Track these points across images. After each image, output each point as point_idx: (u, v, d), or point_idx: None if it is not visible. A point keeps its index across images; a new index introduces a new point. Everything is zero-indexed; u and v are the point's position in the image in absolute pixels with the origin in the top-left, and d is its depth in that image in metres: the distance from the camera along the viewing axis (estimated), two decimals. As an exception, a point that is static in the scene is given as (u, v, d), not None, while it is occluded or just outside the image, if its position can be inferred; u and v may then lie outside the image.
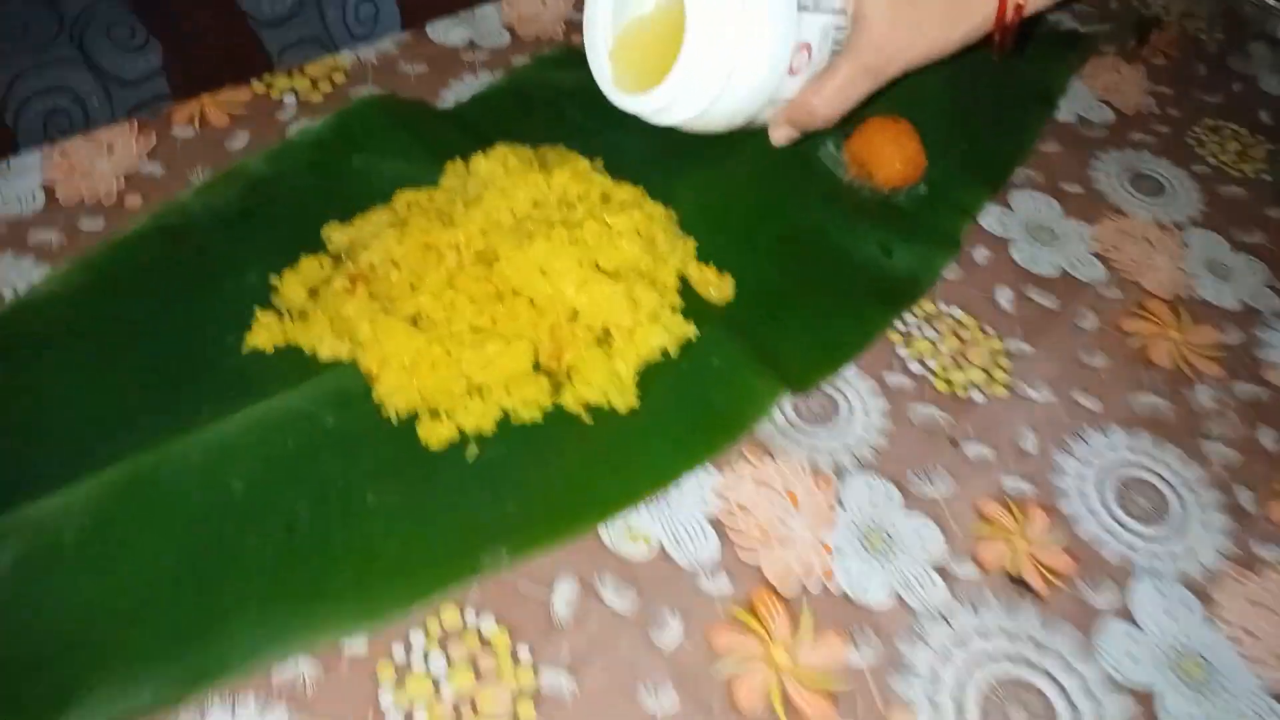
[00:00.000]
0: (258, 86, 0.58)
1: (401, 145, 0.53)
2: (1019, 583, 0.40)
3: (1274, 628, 0.40)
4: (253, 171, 0.51)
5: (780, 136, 0.44)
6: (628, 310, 0.44)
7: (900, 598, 0.39)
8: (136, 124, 0.54)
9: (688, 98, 0.38)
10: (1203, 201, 0.59)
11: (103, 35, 0.79)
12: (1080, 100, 0.64)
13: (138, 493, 0.39)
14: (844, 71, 0.41)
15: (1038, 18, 0.46)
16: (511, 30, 0.64)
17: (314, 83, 0.58)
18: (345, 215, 0.49)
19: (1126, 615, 0.40)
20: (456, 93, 0.59)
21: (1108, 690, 0.37)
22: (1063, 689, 0.37)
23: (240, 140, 0.54)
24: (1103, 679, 0.38)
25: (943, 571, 0.40)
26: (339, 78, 0.59)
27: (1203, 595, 0.41)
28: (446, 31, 0.63)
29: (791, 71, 0.40)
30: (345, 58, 0.60)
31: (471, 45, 0.63)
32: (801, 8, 0.38)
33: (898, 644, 0.38)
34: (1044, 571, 0.41)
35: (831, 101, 0.41)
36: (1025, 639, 0.39)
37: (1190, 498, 0.44)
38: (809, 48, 0.39)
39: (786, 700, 0.36)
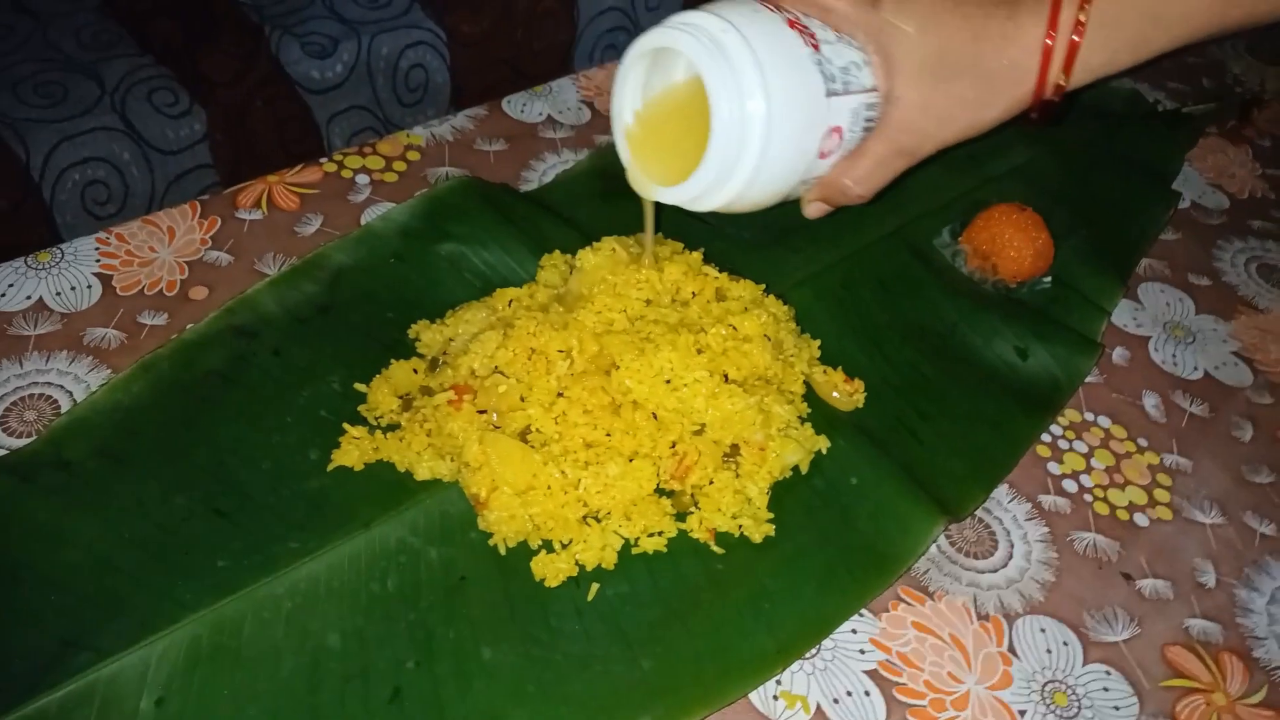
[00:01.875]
0: (328, 165, 0.53)
1: (494, 233, 0.48)
2: (1227, 750, 0.35)
3: None
4: (331, 262, 0.46)
5: (813, 212, 0.41)
6: (760, 425, 0.39)
7: (1097, 771, 0.34)
8: (198, 206, 0.49)
9: (718, 189, 0.36)
10: (1343, 296, 0.54)
11: (144, 100, 0.75)
12: (1191, 185, 0.60)
13: (222, 650, 0.33)
14: (877, 152, 0.38)
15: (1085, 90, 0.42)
16: (590, 105, 0.60)
17: (388, 162, 0.54)
18: (435, 311, 0.44)
19: (1353, 789, 0.34)
20: (539, 173, 0.55)
21: None
22: None
23: (312, 225, 0.50)
24: None
25: (1140, 737, 0.35)
26: (413, 156, 0.54)
27: None
28: (524, 107, 0.59)
29: (822, 155, 0.37)
30: (418, 134, 0.56)
31: (551, 121, 0.58)
32: (831, 93, 0.36)
33: (1106, 832, 0.32)
34: (1253, 736, 0.35)
35: (865, 181, 0.39)
36: (1246, 822, 0.33)
37: (1395, 642, 0.39)
38: (840, 131, 0.37)
39: None
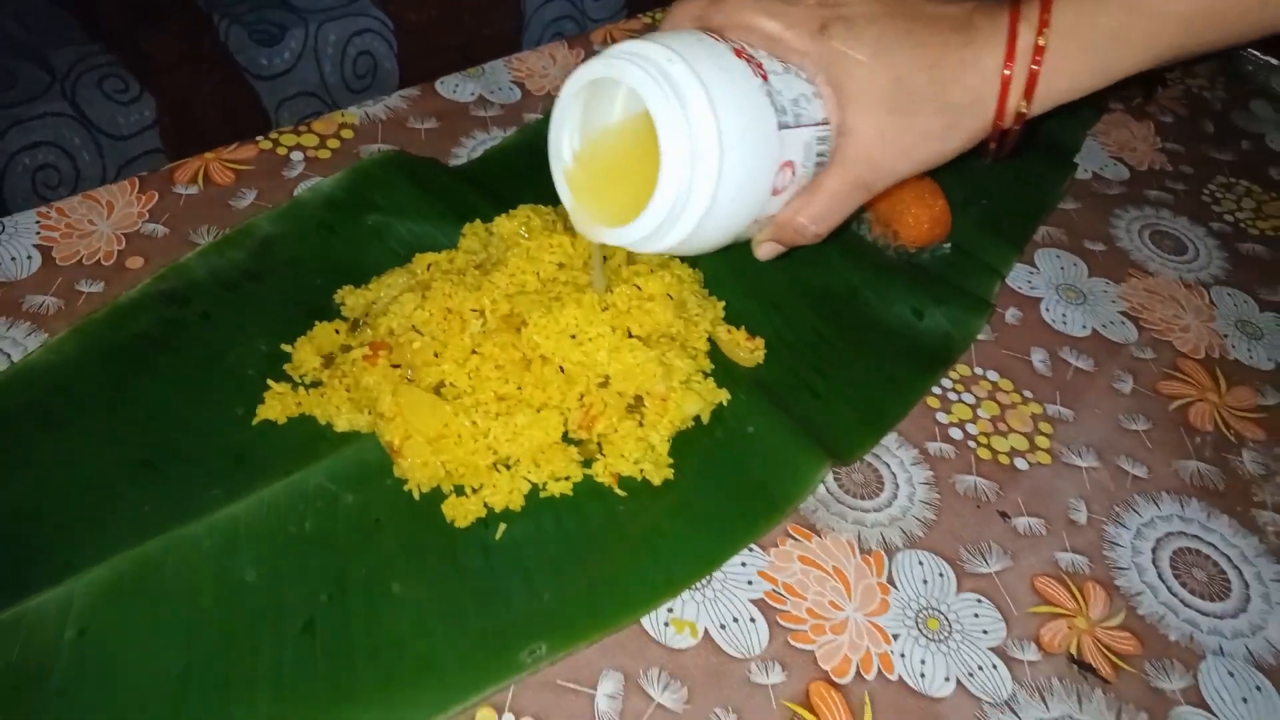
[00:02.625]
0: (263, 143, 0.55)
1: (416, 204, 0.50)
2: (1084, 667, 0.37)
3: None
4: (260, 232, 0.48)
5: (765, 253, 0.39)
6: (661, 377, 0.42)
7: (963, 686, 0.36)
8: (137, 182, 0.51)
9: (667, 230, 0.34)
10: (1224, 260, 0.57)
11: (94, 87, 0.76)
12: (1094, 157, 0.63)
13: (143, 585, 0.35)
14: (832, 187, 0.36)
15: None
16: (521, 86, 0.62)
17: (321, 139, 0.56)
18: (360, 278, 0.46)
19: (1198, 700, 0.37)
20: (468, 149, 0.57)
21: (1187, 785, 0.35)
22: (1141, 785, 0.34)
23: (246, 199, 0.51)
24: (1181, 773, 0.35)
25: (1004, 656, 0.37)
26: (347, 134, 0.56)
27: (1272, 674, 0.38)
28: (456, 87, 0.61)
29: (774, 193, 0.35)
30: (353, 113, 0.58)
31: (482, 101, 0.60)
32: (783, 126, 0.34)
33: (965, 739, 0.35)
34: (1108, 655, 0.38)
35: (822, 219, 0.37)
36: (1097, 730, 0.36)
37: (1249, 572, 0.42)
38: (793, 166, 0.35)
39: (852, 806, 0.33)
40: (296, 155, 0.54)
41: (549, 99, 0.61)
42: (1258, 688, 0.38)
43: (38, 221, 0.49)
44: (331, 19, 0.84)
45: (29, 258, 0.47)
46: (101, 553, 0.36)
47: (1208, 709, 0.37)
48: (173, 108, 0.78)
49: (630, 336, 0.42)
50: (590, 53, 0.66)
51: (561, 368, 0.42)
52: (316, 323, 0.44)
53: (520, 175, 0.54)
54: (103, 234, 0.48)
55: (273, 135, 0.55)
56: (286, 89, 0.83)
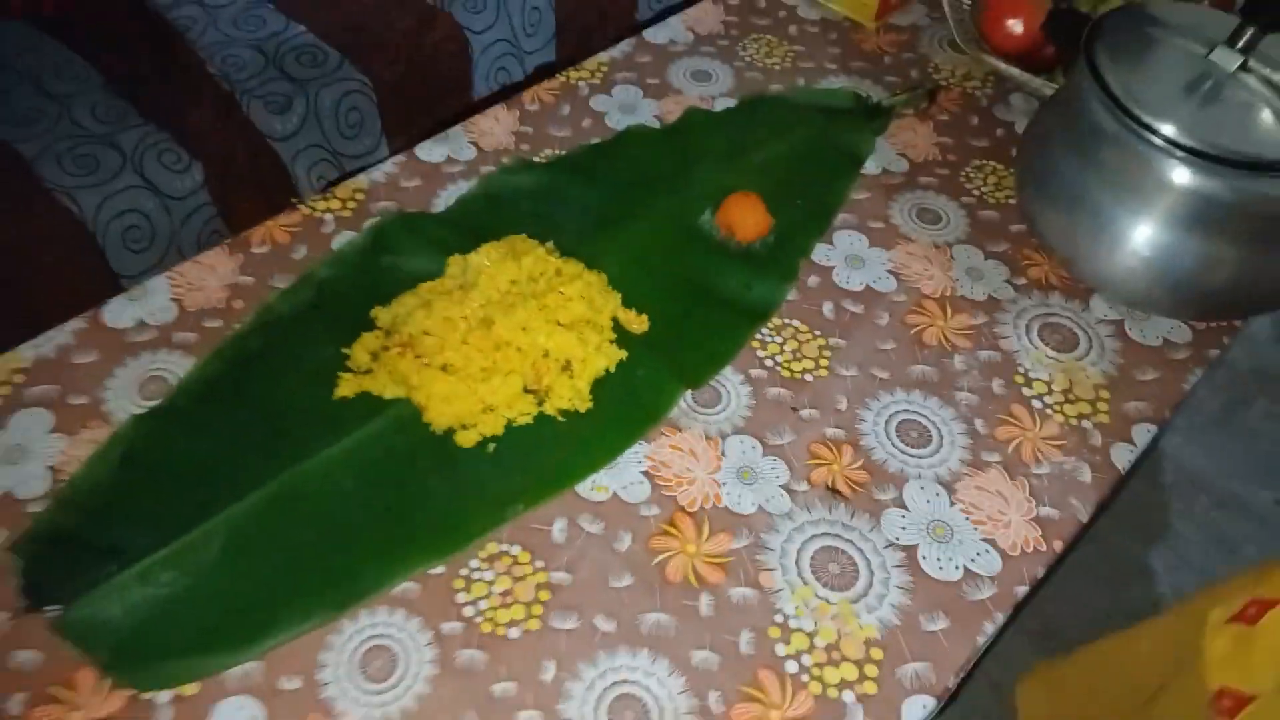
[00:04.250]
0: (304, 210, 0.79)
1: (415, 246, 0.75)
2: (835, 492, 0.64)
3: (990, 501, 0.64)
4: (316, 276, 0.73)
5: None
6: (580, 347, 0.67)
7: (762, 507, 0.63)
8: (227, 247, 0.76)
9: None
10: (967, 224, 0.83)
11: (155, 161, 1.00)
12: (884, 156, 0.88)
13: (286, 498, 0.61)
14: None
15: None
16: (476, 145, 0.86)
17: (344, 203, 0.80)
18: (384, 300, 0.71)
19: (901, 504, 0.64)
20: (444, 199, 0.81)
21: (889, 549, 0.61)
22: (861, 550, 0.61)
23: (300, 251, 0.76)
24: (885, 543, 0.62)
25: (788, 489, 0.64)
26: (360, 196, 0.81)
27: (948, 488, 0.65)
28: (429, 151, 0.85)
29: None
30: (362, 181, 0.82)
31: (449, 160, 0.85)
32: None
33: (761, 534, 0.61)
34: (850, 484, 0.64)
35: None
36: (839, 524, 0.62)
37: (945, 429, 0.68)
38: None
39: (696, 573, 0.59)
40: (329, 217, 0.79)
41: (496, 153, 0.85)
42: (936, 494, 0.64)
43: (169, 281, 0.73)
44: (324, 85, 1.08)
45: (170, 309, 0.72)
46: (248, 488, 0.61)
47: (905, 507, 0.63)
48: (215, 171, 1.02)
49: (559, 325, 0.68)
50: (524, 112, 0.89)
51: (519, 348, 0.67)
52: (363, 333, 0.69)
53: (482, 216, 0.79)
54: (213, 286, 0.73)
55: (310, 203, 0.80)
56: (298, 144, 1.07)
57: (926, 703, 0.55)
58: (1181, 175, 0.67)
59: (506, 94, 1.30)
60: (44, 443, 0.63)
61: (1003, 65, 0.93)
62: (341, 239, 0.77)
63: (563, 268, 0.72)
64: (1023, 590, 0.61)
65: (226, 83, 1.06)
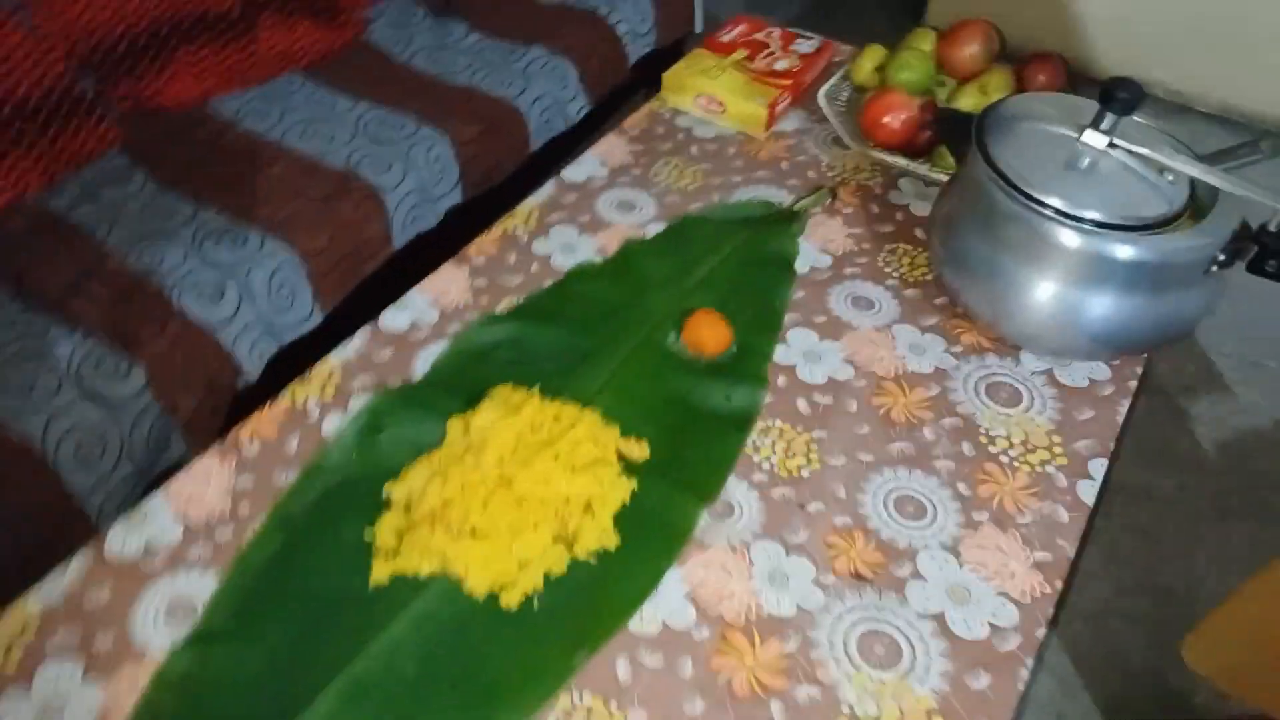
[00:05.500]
0: (284, 400, 0.79)
1: (410, 416, 0.76)
2: (859, 577, 0.69)
3: (993, 557, 0.70)
4: (320, 465, 0.73)
5: None
6: (598, 486, 0.70)
7: (800, 606, 0.67)
8: (218, 453, 0.75)
9: None
10: (897, 306, 0.91)
11: (92, 370, 0.97)
12: (807, 255, 0.96)
13: (353, 695, 0.60)
14: None
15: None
16: (437, 306, 0.89)
17: (322, 387, 0.80)
18: (393, 475, 0.72)
19: (918, 575, 0.69)
20: (421, 364, 0.83)
21: (921, 620, 0.66)
22: (897, 628, 0.66)
23: (292, 444, 0.76)
24: (916, 615, 0.66)
25: (818, 584, 0.68)
26: (337, 378, 0.81)
27: (954, 552, 0.71)
28: (393, 319, 0.87)
29: None
30: (335, 361, 0.83)
31: (414, 326, 0.87)
32: None
33: (807, 632, 0.65)
34: (870, 566, 0.69)
35: None
36: (871, 607, 0.67)
37: (934, 498, 0.74)
38: None
39: (759, 682, 0.62)
40: (312, 402, 0.79)
41: (457, 312, 0.88)
42: (946, 560, 0.70)
43: (165, 499, 0.72)
44: (254, 265, 1.08)
45: (174, 528, 0.70)
46: (306, 700, 0.60)
47: (923, 578, 0.69)
48: (156, 370, 1.00)
49: (574, 470, 0.70)
50: (473, 267, 0.93)
51: (541, 499, 0.69)
52: (382, 513, 0.70)
53: (462, 372, 0.81)
54: (213, 495, 0.72)
55: (291, 390, 0.80)
56: (237, 327, 1.06)
57: (995, 757, 0.60)
58: (1072, 240, 0.77)
59: (425, 240, 1.33)
60: (80, 695, 0.60)
61: (887, 157, 1.03)
62: (331, 423, 0.77)
63: (560, 412, 0.75)
64: (1041, 633, 0.67)
65: (157, 279, 1.04)
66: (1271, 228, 0.75)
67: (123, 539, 0.69)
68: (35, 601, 0.65)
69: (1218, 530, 1.50)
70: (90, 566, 0.67)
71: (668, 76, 1.14)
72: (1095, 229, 0.76)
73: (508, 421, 0.73)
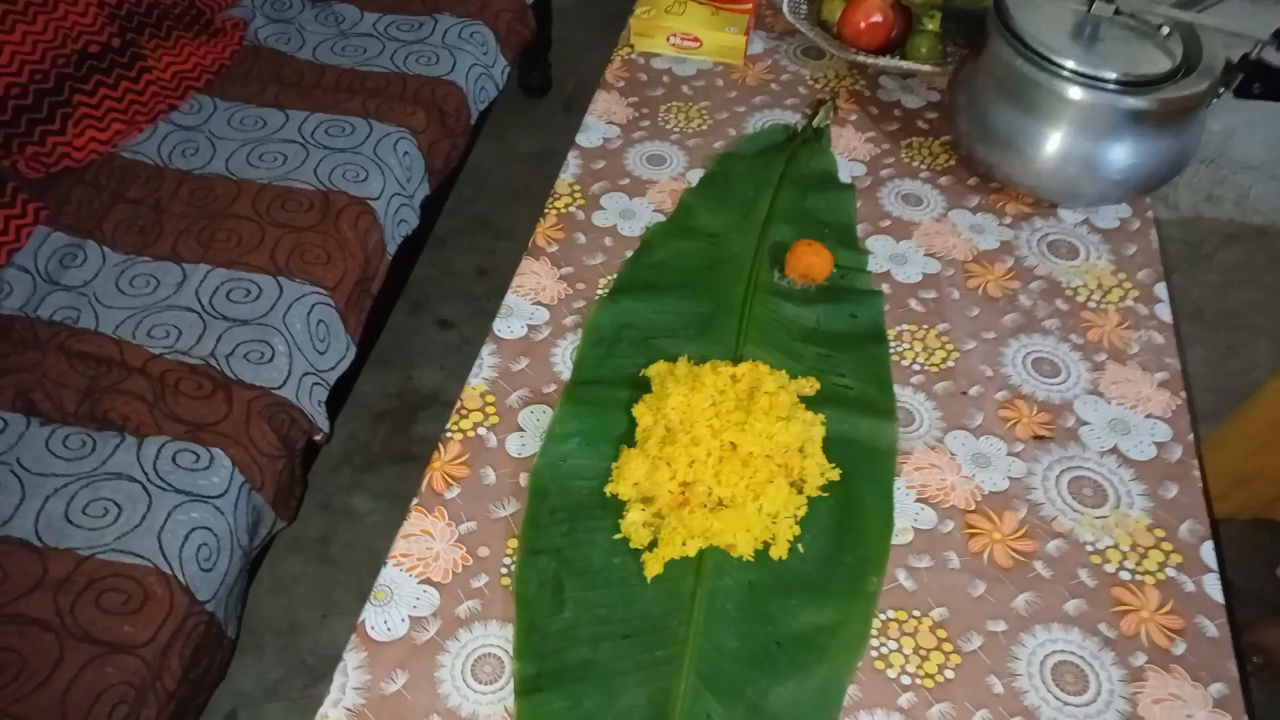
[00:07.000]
0: (453, 438, 0.77)
1: (588, 415, 0.76)
2: (1039, 438, 0.77)
3: (1128, 389, 0.80)
4: (538, 485, 0.73)
5: None
6: (803, 427, 0.74)
7: (1009, 475, 0.74)
8: (420, 509, 0.72)
9: None
10: (939, 194, 0.98)
11: (175, 470, 0.89)
12: (844, 166, 1.01)
13: (703, 683, 0.63)
14: None
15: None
16: (541, 303, 0.87)
17: (483, 413, 0.78)
18: (601, 477, 0.73)
19: (1083, 421, 0.78)
20: (560, 362, 0.82)
21: (1103, 457, 0.76)
22: (1090, 469, 0.75)
23: (489, 475, 0.74)
24: (1098, 454, 0.76)
25: (1012, 454, 0.76)
26: (491, 399, 0.79)
27: (1097, 393, 0.80)
28: (508, 328, 0.85)
29: None
30: (478, 384, 0.80)
31: (531, 328, 0.85)
32: None
33: (1026, 496, 0.73)
34: (1043, 426, 0.78)
35: None
36: (1061, 459, 0.76)
37: (1060, 355, 0.83)
38: None
39: (1015, 551, 0.70)
40: (483, 430, 0.77)
41: (559, 305, 0.87)
42: (1096, 403, 0.79)
43: (399, 566, 0.69)
44: (288, 311, 1.00)
45: (426, 597, 0.68)
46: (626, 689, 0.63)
47: (1087, 423, 0.78)
48: (237, 451, 0.92)
49: (781, 419, 0.74)
50: (550, 256, 0.91)
51: (767, 454, 0.72)
52: (625, 512, 0.71)
53: (604, 362, 0.81)
54: (442, 548, 0.70)
55: (453, 427, 0.77)
56: (294, 382, 0.99)
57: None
58: (1098, 99, 0.86)
59: (411, 243, 1.27)
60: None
61: (869, 59, 1.08)
62: (513, 443, 0.76)
63: (734, 372, 0.77)
64: (1191, 438, 0.78)
65: (215, 361, 0.95)
66: (1253, 56, 0.86)
67: (378, 618, 0.67)
68: (331, 708, 0.62)
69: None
70: (365, 656, 0.65)
71: (634, 22, 1.13)
72: (1116, 87, 0.85)
73: (699, 395, 0.75)
